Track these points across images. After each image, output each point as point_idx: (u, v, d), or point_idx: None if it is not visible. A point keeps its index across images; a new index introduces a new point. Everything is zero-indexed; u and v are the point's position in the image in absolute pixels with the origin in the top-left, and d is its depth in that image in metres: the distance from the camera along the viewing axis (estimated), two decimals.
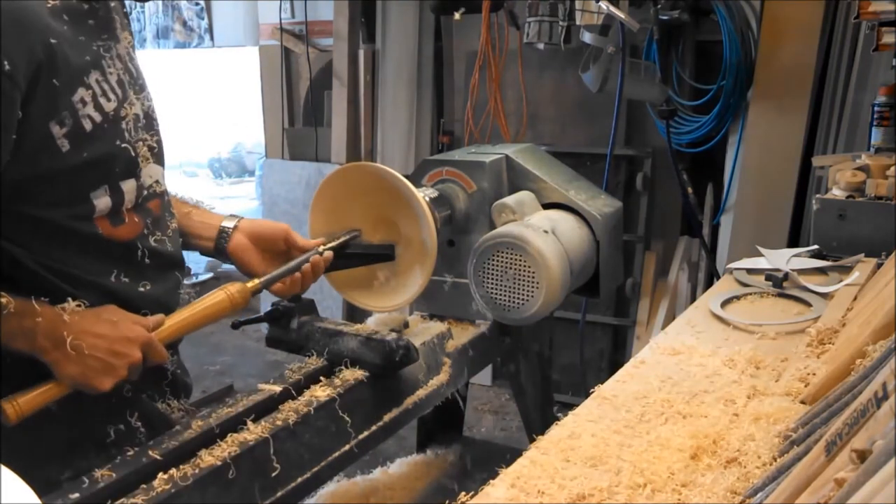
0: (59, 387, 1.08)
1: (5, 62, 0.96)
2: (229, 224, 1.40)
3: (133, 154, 1.15)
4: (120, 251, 1.16)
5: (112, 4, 1.16)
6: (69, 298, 1.09)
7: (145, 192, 1.19)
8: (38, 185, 1.05)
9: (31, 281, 1.07)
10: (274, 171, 4.48)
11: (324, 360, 1.39)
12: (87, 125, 1.07)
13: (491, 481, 0.92)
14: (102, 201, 1.12)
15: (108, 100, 1.10)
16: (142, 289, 1.18)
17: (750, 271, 1.69)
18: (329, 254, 1.44)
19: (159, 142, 1.23)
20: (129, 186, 1.15)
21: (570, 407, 1.17)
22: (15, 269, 1.07)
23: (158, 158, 1.22)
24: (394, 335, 1.38)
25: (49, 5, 1.04)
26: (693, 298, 3.31)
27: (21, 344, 1.05)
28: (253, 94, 4.72)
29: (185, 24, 4.89)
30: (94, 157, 1.09)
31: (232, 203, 7.62)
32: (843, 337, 1.23)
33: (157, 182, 1.22)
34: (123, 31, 1.18)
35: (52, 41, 1.01)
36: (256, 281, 1.31)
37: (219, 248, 1.40)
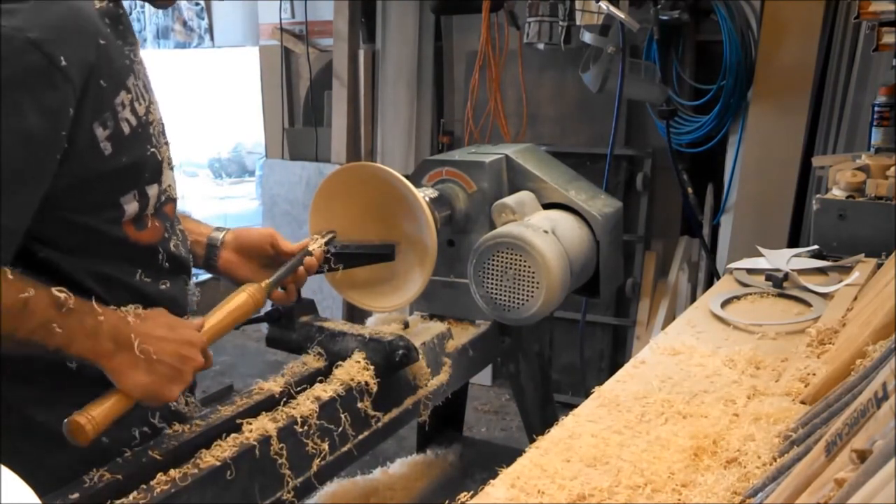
0: (126, 397, 1.02)
1: (61, 57, 0.95)
2: (217, 237, 1.40)
3: (159, 159, 1.14)
4: (144, 255, 1.14)
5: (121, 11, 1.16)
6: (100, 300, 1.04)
7: (163, 198, 1.18)
8: (81, 189, 1.03)
9: (61, 281, 1.02)
10: (274, 171, 4.48)
11: (324, 360, 1.39)
12: (126, 129, 1.06)
13: (491, 481, 0.92)
14: (131, 206, 1.10)
15: (140, 104, 1.10)
16: (162, 286, 1.17)
17: (750, 271, 1.69)
18: (320, 251, 1.44)
19: (170, 147, 1.23)
20: (153, 191, 1.14)
21: (570, 407, 1.17)
22: (44, 270, 1.03)
23: (172, 164, 1.23)
24: (394, 335, 1.39)
25: (97, 6, 1.05)
26: (693, 298, 3.31)
27: (80, 347, 0.99)
28: (253, 94, 4.71)
29: (185, 24, 4.89)
30: (131, 162, 1.08)
31: (232, 203, 7.62)
32: (843, 337, 1.23)
33: (170, 186, 1.21)
34: (135, 38, 1.19)
35: (102, 42, 1.01)
36: (267, 281, 1.29)
37: (208, 264, 1.40)
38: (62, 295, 0.97)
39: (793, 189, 3.01)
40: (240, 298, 1.22)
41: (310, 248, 1.43)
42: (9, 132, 0.93)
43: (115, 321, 1.03)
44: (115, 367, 1.01)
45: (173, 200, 1.23)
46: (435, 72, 3.94)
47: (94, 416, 0.98)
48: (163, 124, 1.20)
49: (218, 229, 1.42)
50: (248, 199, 7.63)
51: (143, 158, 1.11)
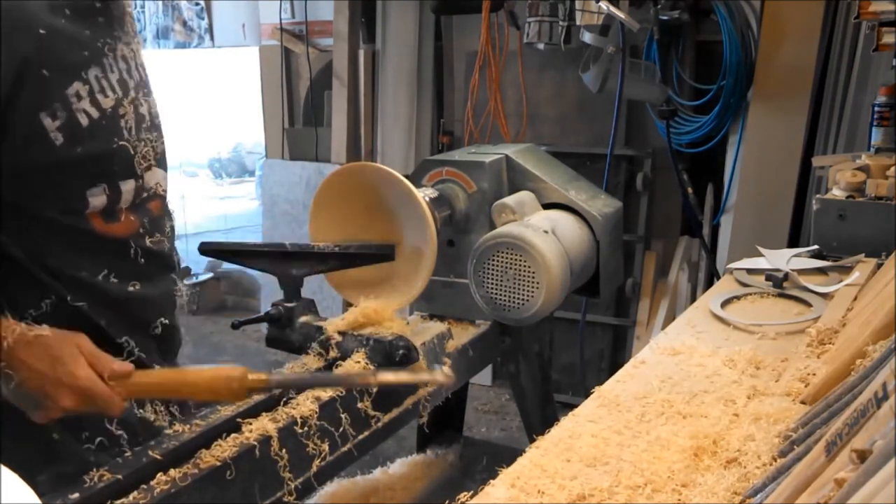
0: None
1: None
2: None
3: (132, 153, 1.14)
4: (113, 248, 1.15)
5: (128, 9, 1.16)
6: (46, 306, 1.06)
7: (145, 194, 1.18)
8: (32, 178, 1.05)
9: (22, 278, 1.06)
10: (274, 171, 4.48)
11: (324, 360, 1.39)
12: (84, 120, 1.07)
13: (491, 481, 0.92)
14: (98, 199, 1.11)
15: (106, 96, 1.10)
16: (131, 288, 1.17)
17: (750, 271, 1.69)
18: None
19: (163, 145, 1.23)
20: (128, 187, 1.14)
21: (570, 407, 1.17)
22: (6, 265, 1.06)
23: (162, 162, 1.23)
24: (394, 335, 1.38)
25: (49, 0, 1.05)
26: (693, 298, 3.31)
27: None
28: (253, 94, 4.71)
29: (185, 24, 4.88)
30: (92, 154, 1.08)
31: (232, 203, 7.62)
32: (843, 337, 1.23)
33: (158, 184, 1.21)
34: (135, 36, 1.18)
35: (42, 32, 1.01)
36: (264, 377, 1.11)
37: None
38: None
39: (793, 189, 3.01)
40: (212, 381, 1.08)
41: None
42: None
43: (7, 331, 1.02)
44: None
45: (160, 197, 1.23)
46: (435, 72, 3.94)
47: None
48: (154, 121, 1.20)
49: None
50: (248, 199, 7.63)
51: (108, 151, 1.11)
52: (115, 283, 1.15)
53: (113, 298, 1.14)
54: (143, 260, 1.18)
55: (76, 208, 1.09)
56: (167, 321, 1.26)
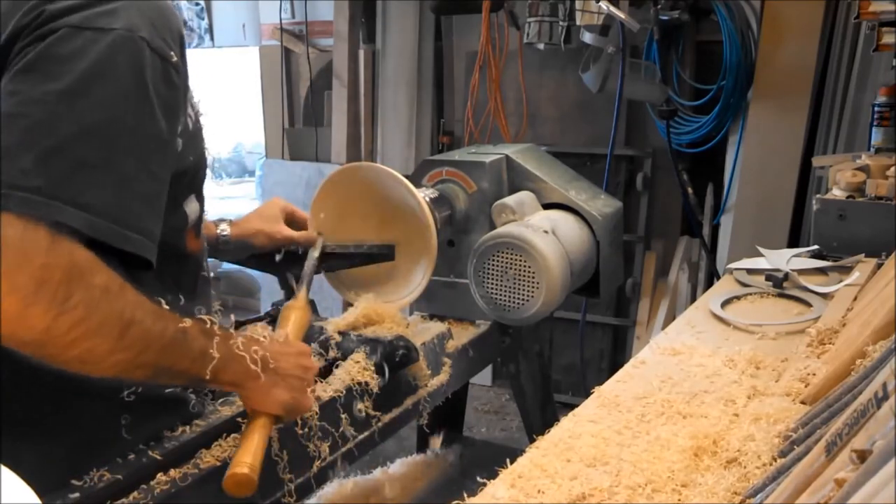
0: (268, 422, 1.03)
1: (171, 52, 0.93)
2: (224, 235, 1.41)
3: (208, 158, 1.11)
4: (191, 268, 1.12)
5: None
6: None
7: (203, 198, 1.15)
8: None
9: None
10: (274, 172, 4.48)
11: (324, 360, 1.39)
12: (190, 124, 1.03)
13: (491, 481, 0.92)
14: (193, 209, 1.07)
15: (195, 98, 1.07)
16: (197, 313, 1.10)
17: (750, 271, 1.69)
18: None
19: None
20: (205, 192, 1.12)
21: (570, 407, 1.17)
22: None
23: None
24: (394, 335, 1.39)
25: None
26: (693, 298, 3.31)
27: (231, 372, 0.98)
28: (253, 94, 4.71)
29: (185, 24, 4.88)
30: (194, 160, 1.05)
31: (232, 203, 7.61)
32: (843, 337, 1.23)
33: None
34: None
35: (182, 31, 0.99)
36: (300, 294, 1.32)
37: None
38: (208, 322, 0.97)
39: (793, 189, 3.01)
40: (297, 316, 1.24)
41: (315, 256, 1.45)
42: (147, 137, 0.91)
43: (250, 343, 1.02)
44: (259, 388, 1.01)
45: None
46: (435, 72, 3.94)
47: (251, 462, 0.97)
48: None
49: (221, 220, 1.42)
50: (248, 200, 7.62)
51: (202, 156, 1.08)
52: (186, 305, 1.10)
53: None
54: (205, 276, 1.15)
55: (178, 224, 1.05)
56: None
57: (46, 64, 0.85)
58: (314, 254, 1.45)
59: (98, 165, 0.86)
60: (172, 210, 1.03)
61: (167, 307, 0.94)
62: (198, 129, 1.06)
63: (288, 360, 1.06)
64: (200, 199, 1.10)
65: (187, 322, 0.94)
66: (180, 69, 0.95)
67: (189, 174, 1.05)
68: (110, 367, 0.88)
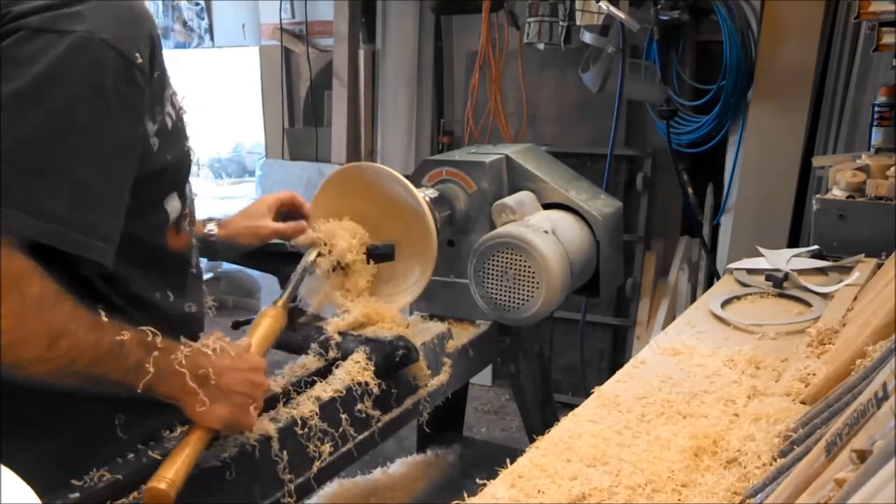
0: (203, 435, 1.01)
1: (136, 53, 0.92)
2: (211, 234, 1.39)
3: (192, 156, 1.11)
4: (174, 266, 1.10)
5: None
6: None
7: (191, 196, 1.14)
8: (132, 190, 0.97)
9: (97, 303, 0.98)
10: (274, 172, 4.48)
11: (324, 360, 1.39)
12: (169, 123, 1.02)
13: (491, 481, 0.92)
14: (174, 207, 1.06)
15: (176, 97, 1.06)
16: (188, 309, 1.12)
17: (750, 271, 1.69)
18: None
19: None
20: (188, 189, 1.11)
21: (570, 407, 1.17)
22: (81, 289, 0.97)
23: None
24: (394, 335, 1.39)
25: None
26: (693, 298, 3.31)
27: (167, 386, 0.97)
28: (253, 94, 4.71)
29: (185, 24, 4.88)
30: (174, 159, 1.04)
31: (232, 203, 7.61)
32: (843, 337, 1.23)
33: (190, 185, 1.16)
34: None
35: (154, 32, 0.98)
36: (282, 299, 1.28)
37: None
38: (150, 335, 0.95)
39: (793, 189, 3.01)
40: (267, 323, 1.21)
41: (309, 260, 1.42)
42: (103, 139, 0.90)
43: (196, 357, 1.00)
44: (198, 402, 0.99)
45: (193, 199, 1.18)
46: (435, 72, 3.94)
47: (171, 478, 0.96)
48: None
49: (209, 230, 1.40)
50: (249, 200, 7.61)
51: (184, 154, 1.07)
52: (175, 302, 1.10)
53: (175, 317, 1.09)
54: (194, 271, 1.14)
55: (158, 222, 1.05)
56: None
57: (3, 67, 0.85)
58: (309, 257, 1.42)
59: (51, 171, 0.86)
60: (153, 208, 1.04)
61: (106, 319, 0.93)
62: (179, 127, 1.06)
63: (234, 375, 1.03)
64: (183, 196, 1.09)
65: (126, 334, 0.93)
66: (146, 70, 0.94)
67: (169, 172, 1.04)
68: (37, 373, 0.89)
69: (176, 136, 1.05)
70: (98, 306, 0.94)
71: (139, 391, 0.95)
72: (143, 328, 0.96)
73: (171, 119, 1.03)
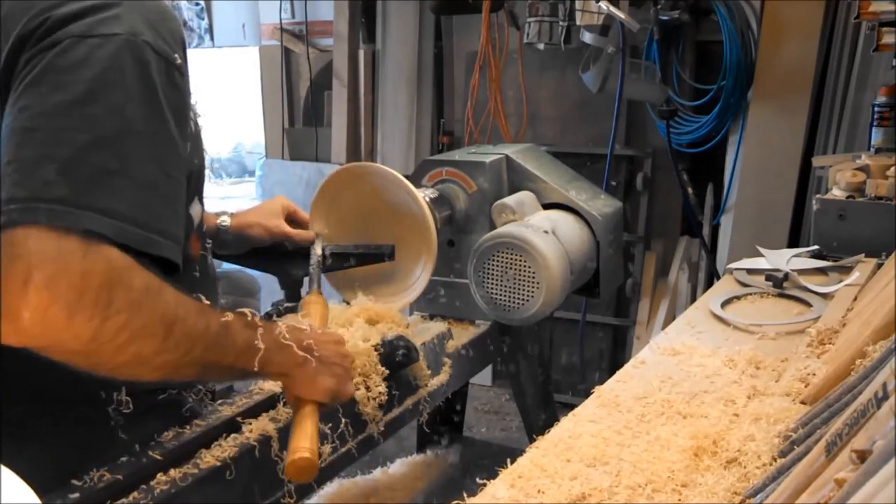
0: (314, 409, 1.03)
1: (175, 55, 0.93)
2: (224, 227, 1.41)
3: (207, 160, 1.12)
4: (195, 268, 1.11)
5: None
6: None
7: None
8: None
9: None
10: (274, 172, 4.48)
11: None
12: (192, 126, 1.03)
13: (491, 481, 0.92)
14: (196, 213, 1.07)
15: (194, 102, 1.07)
16: None
17: (750, 271, 1.69)
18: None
19: None
20: (204, 195, 1.12)
21: (570, 407, 1.17)
22: None
23: None
24: (394, 335, 1.38)
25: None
26: (693, 298, 3.31)
27: (277, 362, 0.99)
28: (253, 94, 4.71)
29: (185, 24, 4.88)
30: (199, 163, 1.04)
31: (232, 203, 7.61)
32: (843, 337, 1.23)
33: None
34: None
35: (183, 33, 0.99)
36: (314, 289, 1.34)
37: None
38: (248, 314, 0.97)
39: (793, 189, 3.01)
40: (318, 309, 1.25)
41: (318, 254, 1.46)
42: (160, 139, 0.91)
43: (295, 332, 1.02)
44: (305, 375, 1.01)
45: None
46: (435, 72, 3.94)
47: (310, 447, 0.98)
48: None
49: (221, 221, 1.42)
50: (249, 200, 7.62)
51: (203, 159, 1.08)
52: None
53: None
54: (199, 276, 1.14)
55: (187, 228, 1.03)
56: None
57: (54, 75, 0.85)
58: (317, 251, 1.46)
59: (118, 171, 0.86)
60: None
61: (207, 303, 0.94)
62: (198, 131, 1.07)
63: (329, 347, 1.07)
64: (202, 201, 1.10)
65: (229, 316, 0.95)
66: (184, 71, 0.95)
67: (194, 177, 1.05)
68: (158, 367, 0.89)
69: (197, 140, 1.06)
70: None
71: (255, 370, 0.96)
72: (242, 310, 0.97)
73: (195, 124, 1.05)
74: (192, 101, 1.06)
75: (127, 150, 0.87)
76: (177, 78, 0.94)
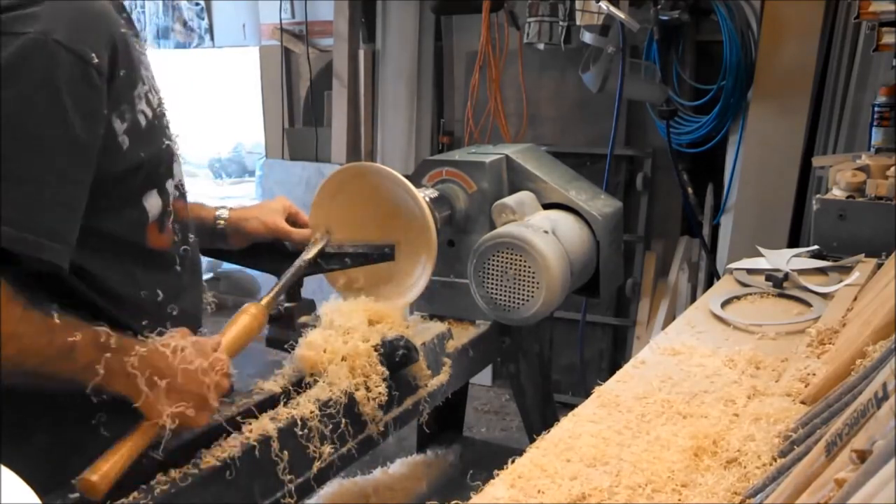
0: (149, 429, 1.00)
1: (92, 54, 0.93)
2: (221, 221, 1.41)
3: (173, 152, 1.11)
4: (160, 262, 1.10)
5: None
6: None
7: (176, 193, 1.14)
8: (98, 190, 0.98)
9: (77, 303, 0.99)
10: (274, 172, 4.48)
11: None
12: (143, 121, 1.03)
13: (491, 481, 0.92)
14: (153, 205, 1.06)
15: (153, 95, 1.07)
16: (171, 307, 1.12)
17: (750, 271, 1.69)
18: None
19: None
20: (170, 186, 1.11)
21: (570, 407, 1.17)
22: (56, 290, 0.98)
23: (179, 158, 1.18)
24: (395, 335, 1.38)
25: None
26: (693, 298, 3.31)
27: (118, 385, 0.97)
28: (253, 94, 4.71)
29: (185, 24, 4.88)
30: (148, 156, 1.04)
31: (232, 203, 7.60)
32: (843, 337, 1.23)
33: (180, 182, 1.16)
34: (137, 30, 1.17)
35: (121, 31, 0.98)
36: (267, 298, 1.28)
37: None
38: (104, 336, 0.95)
39: (793, 189, 3.01)
40: (244, 321, 1.20)
41: (306, 258, 1.43)
42: (57, 140, 0.91)
43: (151, 357, 1.00)
44: (147, 402, 0.99)
45: (184, 196, 1.18)
46: (435, 72, 3.94)
47: (105, 471, 0.95)
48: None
49: (222, 207, 1.43)
50: (249, 200, 7.62)
51: (159, 152, 1.07)
52: (164, 300, 1.10)
53: (163, 316, 1.09)
54: (180, 270, 1.14)
55: (138, 221, 1.05)
56: (204, 333, 1.21)
57: None
58: (306, 256, 1.43)
59: (4, 175, 0.86)
60: (131, 206, 1.04)
61: (58, 320, 0.93)
62: (154, 124, 1.06)
63: (190, 376, 1.02)
64: (164, 193, 1.09)
65: (78, 335, 0.93)
66: (104, 70, 0.94)
67: (144, 170, 1.04)
68: None
69: (151, 134, 1.05)
70: (55, 305, 0.94)
71: (87, 391, 0.96)
72: (99, 328, 0.96)
73: (146, 117, 1.04)
74: (153, 94, 1.06)
75: (15, 152, 0.87)
76: (93, 78, 0.93)
